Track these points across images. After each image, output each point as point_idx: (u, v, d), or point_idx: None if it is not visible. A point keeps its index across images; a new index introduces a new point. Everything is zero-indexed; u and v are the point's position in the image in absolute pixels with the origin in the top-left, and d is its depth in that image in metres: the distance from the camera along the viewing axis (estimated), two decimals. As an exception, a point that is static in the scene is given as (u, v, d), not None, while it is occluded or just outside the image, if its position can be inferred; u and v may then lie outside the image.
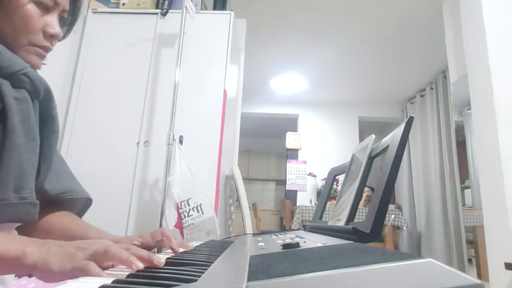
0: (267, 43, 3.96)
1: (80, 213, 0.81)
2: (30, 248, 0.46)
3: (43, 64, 0.65)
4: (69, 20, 0.68)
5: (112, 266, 0.51)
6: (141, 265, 0.46)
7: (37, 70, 0.63)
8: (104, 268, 0.47)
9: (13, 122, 0.53)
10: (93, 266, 0.45)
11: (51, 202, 0.71)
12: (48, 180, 0.66)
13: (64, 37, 0.69)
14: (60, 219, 0.73)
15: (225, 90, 2.15)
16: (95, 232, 0.76)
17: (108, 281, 0.38)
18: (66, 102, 2.16)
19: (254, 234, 1.21)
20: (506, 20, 2.10)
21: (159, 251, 0.87)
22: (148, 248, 0.74)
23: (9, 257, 0.45)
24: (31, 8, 0.59)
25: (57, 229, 0.72)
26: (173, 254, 0.65)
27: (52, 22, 0.61)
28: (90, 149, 2.06)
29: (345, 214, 0.76)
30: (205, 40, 2.23)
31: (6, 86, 0.55)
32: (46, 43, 0.62)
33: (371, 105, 5.64)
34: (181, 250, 0.72)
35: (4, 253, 0.45)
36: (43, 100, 0.61)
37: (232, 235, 2.49)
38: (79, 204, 0.79)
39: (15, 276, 0.58)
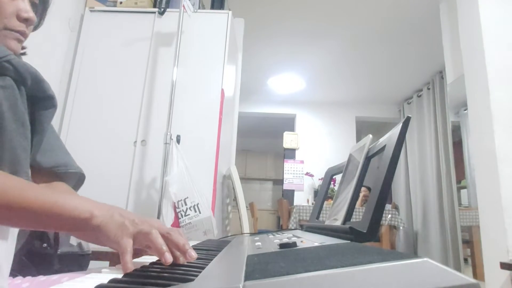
0: (265, 42, 3.96)
1: (75, 189, 0.82)
2: (97, 211, 0.51)
3: (23, 49, 0.66)
4: (40, 8, 0.69)
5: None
6: (169, 261, 0.48)
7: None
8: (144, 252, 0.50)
9: (1, 109, 0.54)
10: (127, 257, 0.47)
11: (47, 176, 0.71)
12: (41, 153, 0.66)
13: (36, 27, 0.70)
14: (63, 190, 0.74)
15: (222, 90, 2.15)
16: None
17: (105, 280, 0.38)
18: (63, 101, 2.15)
19: (251, 234, 1.21)
20: (503, 21, 2.11)
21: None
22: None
23: (80, 218, 0.50)
24: None
25: None
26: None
27: (25, 6, 0.62)
28: (87, 148, 2.05)
29: (342, 214, 0.77)
30: (202, 39, 2.23)
31: None
32: (21, 28, 0.63)
33: (368, 105, 5.65)
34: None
35: (77, 214, 0.50)
36: (32, 86, 0.60)
37: (229, 235, 2.49)
38: (73, 179, 0.80)
39: (9, 276, 0.58)
